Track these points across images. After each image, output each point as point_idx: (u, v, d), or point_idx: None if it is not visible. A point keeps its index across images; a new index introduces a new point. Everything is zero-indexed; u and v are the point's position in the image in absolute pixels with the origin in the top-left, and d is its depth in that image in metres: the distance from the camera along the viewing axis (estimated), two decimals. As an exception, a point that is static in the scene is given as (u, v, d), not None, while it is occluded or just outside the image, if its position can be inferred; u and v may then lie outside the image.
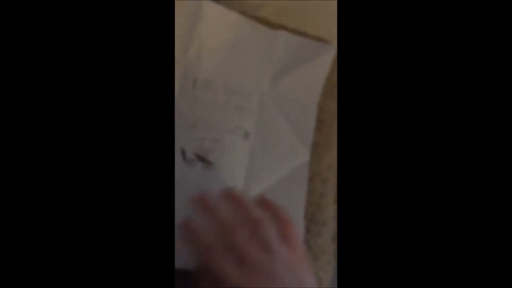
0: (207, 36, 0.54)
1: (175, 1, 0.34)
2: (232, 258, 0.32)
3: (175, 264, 0.31)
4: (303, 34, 0.55)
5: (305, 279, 0.33)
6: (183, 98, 0.53)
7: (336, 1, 0.30)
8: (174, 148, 0.45)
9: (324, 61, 0.54)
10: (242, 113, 0.53)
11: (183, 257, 0.37)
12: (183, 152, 0.51)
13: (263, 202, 0.40)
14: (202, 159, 0.51)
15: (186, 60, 0.53)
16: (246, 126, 0.52)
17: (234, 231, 0.35)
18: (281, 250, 0.33)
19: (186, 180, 0.50)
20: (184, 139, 0.52)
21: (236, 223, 0.36)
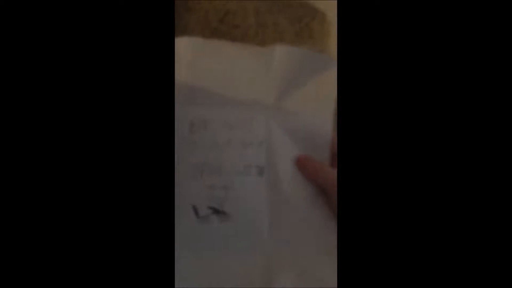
0: (193, 73, 0.47)
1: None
2: None
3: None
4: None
5: None
6: (181, 146, 0.47)
7: (336, 1, 0.29)
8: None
9: (331, 75, 0.46)
10: (249, 147, 0.47)
11: None
12: (195, 209, 0.47)
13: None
14: (217, 211, 0.46)
15: (177, 104, 0.47)
16: (257, 161, 0.46)
17: None
18: None
19: (204, 240, 0.46)
20: (192, 193, 0.47)
21: None
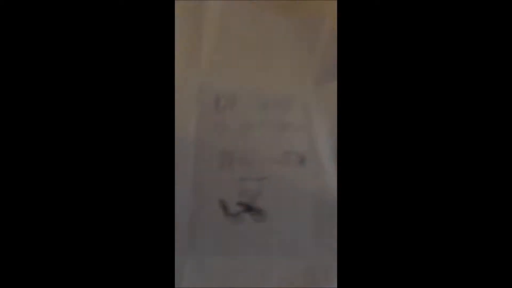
0: (220, 39, 0.38)
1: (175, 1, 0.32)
2: None
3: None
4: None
5: None
6: (205, 127, 0.39)
7: (336, 1, 0.29)
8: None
9: None
10: (287, 130, 0.39)
11: None
12: (223, 205, 0.38)
13: None
14: (250, 208, 0.38)
15: (198, 73, 0.38)
16: (298, 146, 0.38)
17: None
18: None
19: (234, 242, 0.38)
20: (220, 185, 0.39)
21: None
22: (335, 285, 0.29)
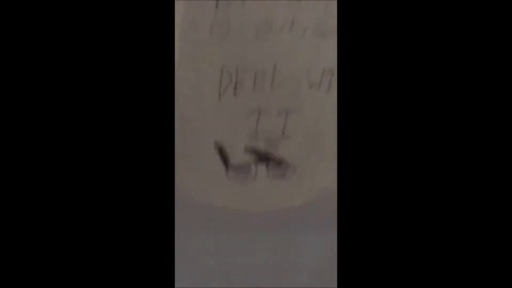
0: None
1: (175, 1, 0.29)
2: None
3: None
4: None
5: None
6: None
7: (336, 1, 0.29)
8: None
9: None
10: (326, 36, 0.25)
11: None
12: (221, 152, 0.24)
13: None
14: (265, 158, 0.25)
15: None
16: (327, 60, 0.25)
17: None
18: None
19: (236, 208, 0.25)
20: (217, 120, 0.24)
21: None
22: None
